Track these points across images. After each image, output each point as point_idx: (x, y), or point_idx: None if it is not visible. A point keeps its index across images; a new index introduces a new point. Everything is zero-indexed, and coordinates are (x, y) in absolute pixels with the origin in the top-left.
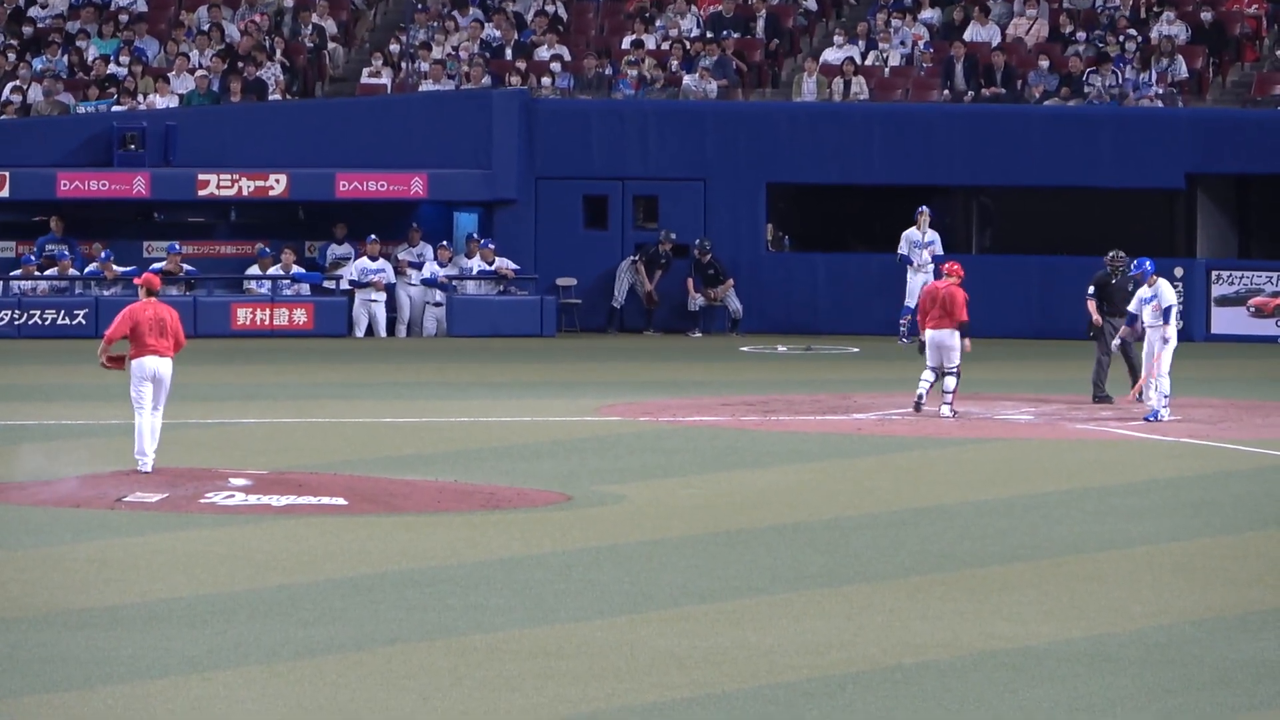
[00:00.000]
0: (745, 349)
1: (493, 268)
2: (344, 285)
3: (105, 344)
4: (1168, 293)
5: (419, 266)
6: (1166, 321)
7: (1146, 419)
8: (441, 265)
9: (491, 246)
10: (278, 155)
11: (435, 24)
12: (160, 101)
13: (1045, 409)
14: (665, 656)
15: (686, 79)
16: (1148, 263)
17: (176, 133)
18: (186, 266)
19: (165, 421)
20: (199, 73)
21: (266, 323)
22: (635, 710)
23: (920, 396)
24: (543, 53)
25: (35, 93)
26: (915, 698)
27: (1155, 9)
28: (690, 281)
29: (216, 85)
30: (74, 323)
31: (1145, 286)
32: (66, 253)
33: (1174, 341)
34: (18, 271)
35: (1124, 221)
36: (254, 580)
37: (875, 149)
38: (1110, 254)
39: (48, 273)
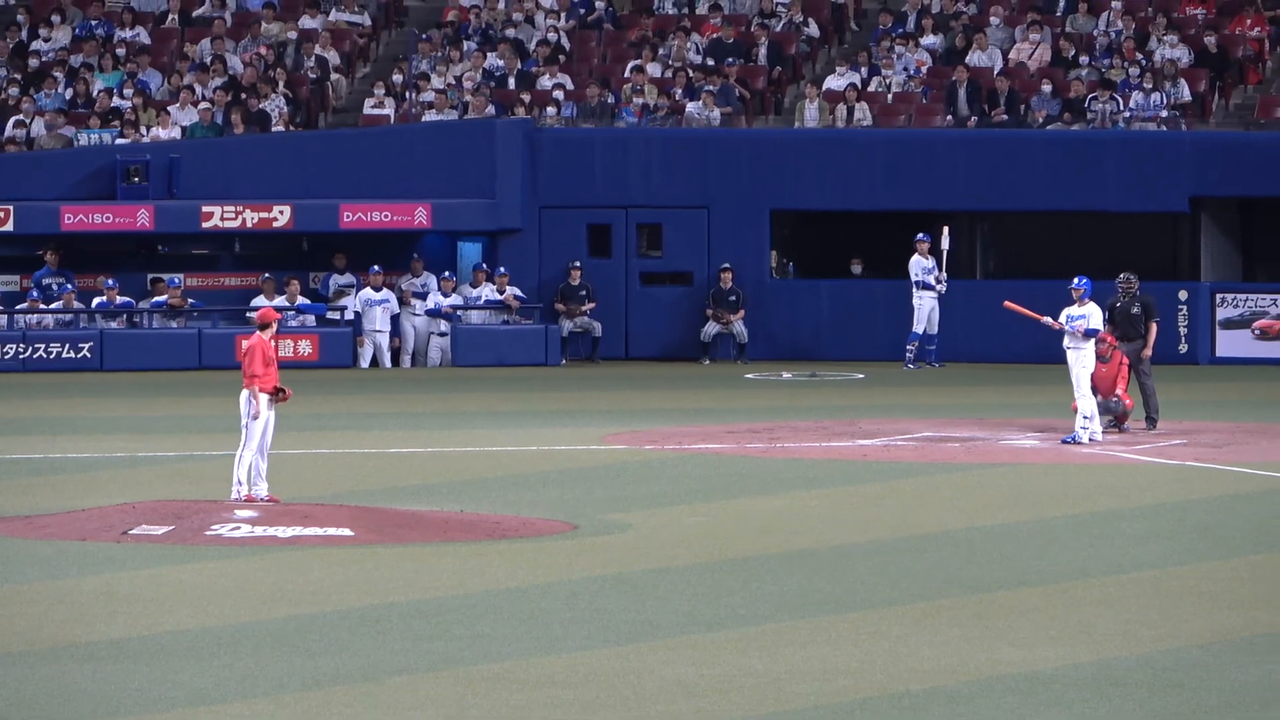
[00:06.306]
0: (750, 376)
1: (504, 296)
2: (348, 315)
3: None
4: (1096, 316)
5: (423, 297)
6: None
7: (1064, 441)
8: (445, 295)
9: (505, 274)
10: (281, 187)
11: (438, 54)
12: (163, 134)
13: (1050, 434)
14: (672, 685)
15: (689, 106)
16: (1086, 281)
17: (180, 165)
18: (190, 299)
19: (171, 454)
20: (202, 105)
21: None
22: None
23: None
24: (545, 82)
25: (39, 126)
26: None
27: (1162, 36)
28: (710, 311)
29: (220, 117)
30: (79, 356)
31: (1076, 305)
32: (68, 286)
33: (1091, 364)
34: (24, 305)
35: (1128, 245)
36: (260, 612)
37: (878, 175)
38: (1121, 276)
39: (53, 306)
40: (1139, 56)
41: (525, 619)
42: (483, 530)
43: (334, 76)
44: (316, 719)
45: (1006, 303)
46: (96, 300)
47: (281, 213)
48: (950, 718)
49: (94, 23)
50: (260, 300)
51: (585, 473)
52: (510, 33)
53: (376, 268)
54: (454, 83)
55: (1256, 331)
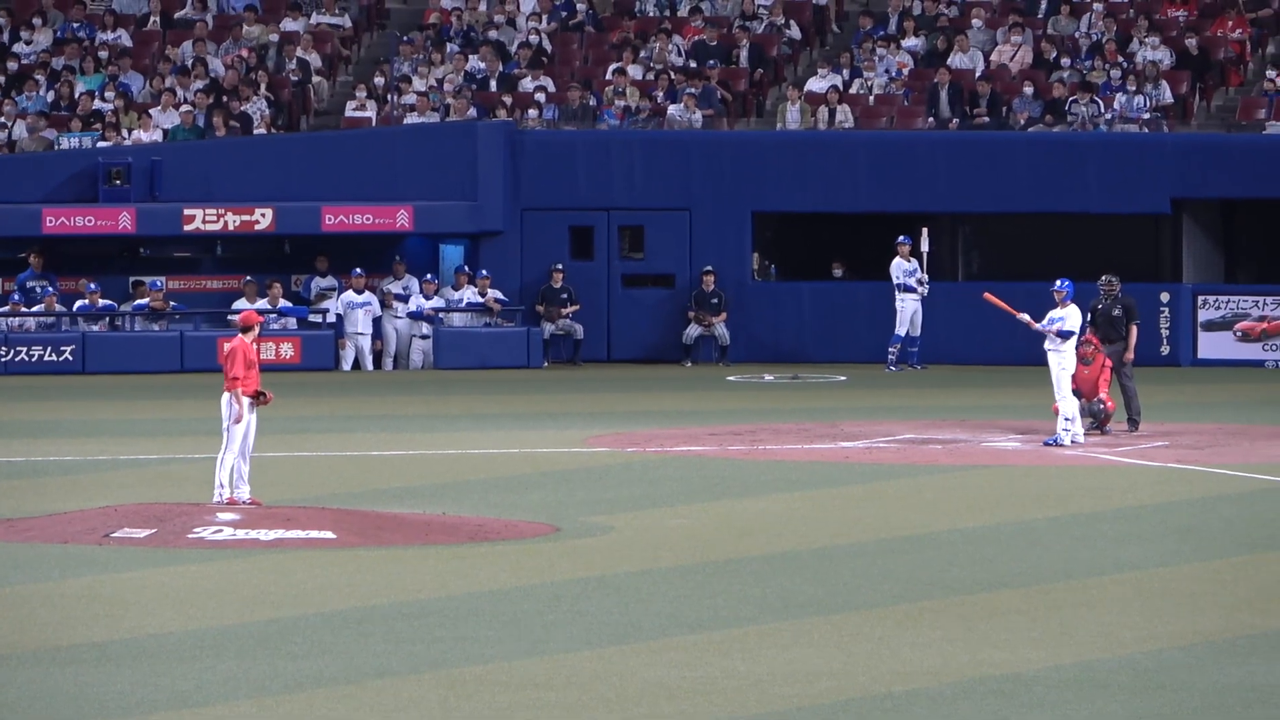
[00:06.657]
0: (732, 378)
1: (486, 298)
2: (330, 318)
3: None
4: (1075, 318)
5: (405, 299)
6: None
7: (1045, 443)
8: (427, 298)
9: (487, 276)
10: (263, 189)
11: (419, 56)
12: (145, 136)
13: (1032, 436)
14: (655, 687)
15: (671, 109)
16: (1067, 283)
17: (162, 168)
18: (172, 302)
19: (153, 457)
20: (184, 107)
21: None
22: None
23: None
24: (527, 84)
25: (20, 129)
26: None
27: (1144, 38)
28: (692, 313)
29: (201, 120)
30: (60, 359)
31: (1059, 307)
32: (50, 289)
33: (1071, 366)
34: (6, 308)
35: (1110, 247)
36: (243, 615)
37: (860, 177)
38: (1102, 278)
39: (35, 309)
40: (1120, 58)
41: (508, 621)
42: (465, 533)
43: (315, 79)
44: None
45: (986, 294)
46: (78, 303)
47: (263, 215)
48: (933, 719)
49: (75, 25)
50: (242, 303)
51: (567, 475)
52: (492, 35)
53: (358, 270)
54: (435, 85)
55: (1238, 333)
